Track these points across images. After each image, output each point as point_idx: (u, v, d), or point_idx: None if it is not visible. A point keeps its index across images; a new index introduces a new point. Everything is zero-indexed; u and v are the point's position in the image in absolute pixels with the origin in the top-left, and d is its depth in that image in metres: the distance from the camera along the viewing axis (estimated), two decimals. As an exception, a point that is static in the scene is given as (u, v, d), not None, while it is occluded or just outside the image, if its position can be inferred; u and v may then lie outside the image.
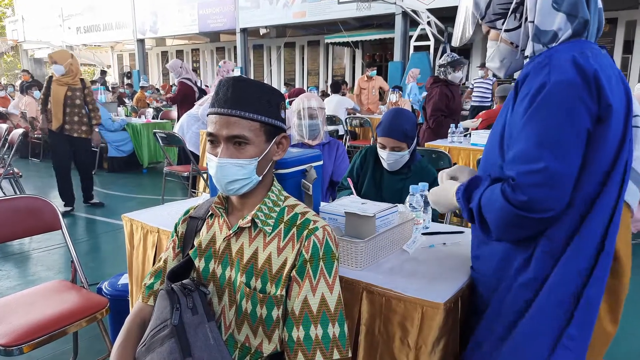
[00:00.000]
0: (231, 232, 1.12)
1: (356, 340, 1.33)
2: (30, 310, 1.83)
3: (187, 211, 1.28)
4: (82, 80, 4.79)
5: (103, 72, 12.51)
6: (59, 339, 1.76)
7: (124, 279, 2.24)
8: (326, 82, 15.68)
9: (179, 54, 19.37)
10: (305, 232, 1.08)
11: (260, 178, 1.11)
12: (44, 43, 18.47)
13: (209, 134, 1.08)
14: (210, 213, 1.20)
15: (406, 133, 2.00)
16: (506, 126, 1.14)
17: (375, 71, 8.53)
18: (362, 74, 10.65)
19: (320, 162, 1.55)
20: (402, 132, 1.99)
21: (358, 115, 7.18)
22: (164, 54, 19.98)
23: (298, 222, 1.11)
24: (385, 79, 10.57)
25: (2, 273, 3.35)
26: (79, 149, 4.89)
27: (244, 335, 1.10)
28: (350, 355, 1.08)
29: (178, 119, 5.61)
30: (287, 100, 4.75)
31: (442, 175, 1.38)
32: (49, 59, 4.72)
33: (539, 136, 1.02)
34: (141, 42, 16.58)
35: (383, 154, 2.06)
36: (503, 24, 1.20)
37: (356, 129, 7.24)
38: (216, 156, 1.07)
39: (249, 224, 1.11)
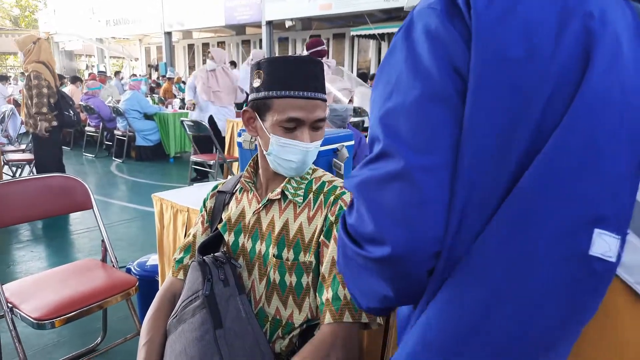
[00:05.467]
0: (260, 205, 1.11)
1: (388, 318, 1.30)
2: (62, 286, 1.86)
3: (216, 186, 1.28)
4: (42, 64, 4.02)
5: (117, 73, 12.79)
6: (88, 318, 1.78)
7: (152, 260, 2.26)
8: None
9: (205, 47, 19.53)
10: (332, 198, 1.07)
11: None
12: (74, 35, 18.86)
13: (293, 119, 1.02)
14: (239, 188, 1.19)
15: None
16: None
17: None
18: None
19: (352, 142, 1.52)
20: None
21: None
22: (190, 47, 20.17)
23: (325, 189, 1.10)
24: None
25: (33, 254, 3.43)
26: (37, 149, 4.28)
27: (274, 307, 1.08)
28: (382, 323, 1.03)
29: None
30: (306, 53, 4.59)
31: None
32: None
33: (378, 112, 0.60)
34: (168, 34, 16.76)
35: None
36: None
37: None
38: (295, 139, 1.03)
39: (279, 196, 1.10)
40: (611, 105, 0.48)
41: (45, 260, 3.35)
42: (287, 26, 13.85)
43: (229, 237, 1.15)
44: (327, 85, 2.25)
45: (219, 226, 1.16)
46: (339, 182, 1.13)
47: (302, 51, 16.76)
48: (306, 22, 15.28)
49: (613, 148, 0.48)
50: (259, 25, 14.27)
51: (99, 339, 2.24)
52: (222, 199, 1.22)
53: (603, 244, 0.47)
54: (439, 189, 0.53)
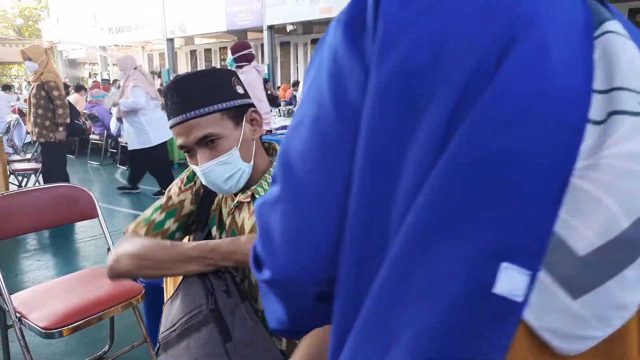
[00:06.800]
0: (232, 205, 1.11)
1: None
2: (69, 295, 1.87)
3: None
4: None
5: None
6: (95, 326, 1.79)
7: (158, 268, 2.27)
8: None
9: (207, 52, 19.60)
10: None
11: (251, 163, 1.07)
12: (77, 44, 18.98)
13: (181, 147, 1.04)
14: None
15: None
16: None
17: None
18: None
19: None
20: None
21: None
22: (193, 53, 20.26)
23: None
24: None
25: (40, 263, 3.45)
26: (45, 158, 4.38)
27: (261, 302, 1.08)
28: None
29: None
30: (231, 59, 4.28)
31: None
32: (22, 55, 4.15)
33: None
34: (170, 41, 16.84)
35: None
36: None
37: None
38: (197, 165, 1.03)
39: (249, 199, 1.09)
40: (523, 115, 0.40)
41: (52, 269, 3.38)
42: (288, 30, 13.89)
43: (216, 232, 1.13)
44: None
45: (209, 219, 1.14)
46: None
47: (304, 55, 16.79)
48: (307, 26, 15.32)
49: (525, 164, 0.39)
50: (260, 30, 14.31)
51: (107, 347, 2.26)
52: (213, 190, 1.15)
53: (509, 280, 0.39)
54: (324, 214, 0.49)
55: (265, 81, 9.49)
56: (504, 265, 0.39)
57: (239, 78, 1.10)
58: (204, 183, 1.07)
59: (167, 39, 16.73)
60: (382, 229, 0.46)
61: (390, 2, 0.45)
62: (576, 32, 0.42)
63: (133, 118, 4.88)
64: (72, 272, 2.14)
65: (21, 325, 1.74)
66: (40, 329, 1.66)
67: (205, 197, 1.17)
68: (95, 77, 19.59)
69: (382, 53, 0.45)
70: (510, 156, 0.39)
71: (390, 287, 0.44)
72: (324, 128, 0.49)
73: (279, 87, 12.77)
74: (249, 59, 4.27)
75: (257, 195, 1.08)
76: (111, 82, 12.28)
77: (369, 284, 0.46)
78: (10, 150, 5.69)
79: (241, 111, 1.06)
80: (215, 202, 1.16)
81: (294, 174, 0.51)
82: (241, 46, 4.27)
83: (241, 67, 4.24)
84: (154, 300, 2.10)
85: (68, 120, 4.13)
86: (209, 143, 1.01)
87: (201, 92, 1.01)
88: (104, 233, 2.12)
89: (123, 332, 2.35)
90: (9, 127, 5.75)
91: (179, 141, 1.03)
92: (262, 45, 15.32)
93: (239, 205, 1.11)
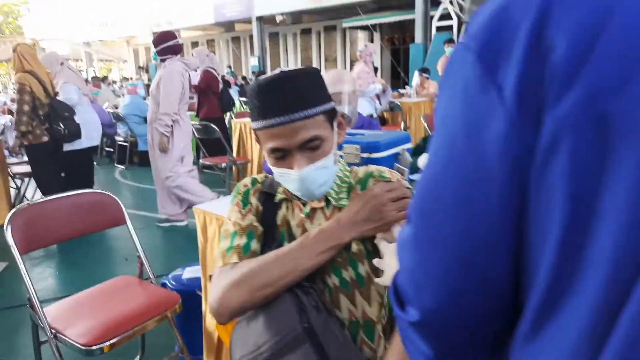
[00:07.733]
0: (303, 214, 1.04)
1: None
2: (104, 307, 1.79)
3: (255, 180, 1.12)
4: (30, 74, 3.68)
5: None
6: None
7: (188, 273, 2.19)
8: (344, 67, 15.50)
9: (194, 45, 19.33)
10: (371, 182, 1.03)
11: (336, 168, 1.04)
12: (60, 40, 18.58)
13: (276, 150, 0.94)
14: (282, 197, 1.08)
15: None
16: None
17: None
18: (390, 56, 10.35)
19: (411, 144, 1.47)
20: None
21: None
22: (179, 46, 20.00)
23: (361, 177, 1.07)
24: (407, 62, 10.36)
25: (61, 269, 3.34)
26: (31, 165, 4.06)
27: (346, 310, 1.01)
28: None
29: (198, 107, 5.44)
30: (154, 52, 3.75)
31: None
32: None
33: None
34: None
35: None
36: None
37: (384, 113, 7.10)
38: (291, 168, 0.95)
39: (322, 204, 1.03)
40: None
41: (73, 275, 3.28)
42: (277, 21, 13.73)
43: None
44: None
45: (277, 234, 1.06)
46: (372, 167, 1.09)
47: (293, 46, 16.61)
48: (297, 16, 15.16)
49: None
50: (248, 22, 14.12)
51: (137, 357, 2.18)
52: (270, 201, 1.09)
53: None
54: (469, 260, 0.46)
55: (261, 73, 9.38)
56: None
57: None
58: (292, 188, 1.00)
59: (152, 33, 16.46)
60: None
61: (571, 12, 0.37)
62: None
63: None
64: (101, 282, 2.05)
65: (57, 342, 1.65)
66: (79, 346, 1.58)
67: (266, 212, 1.09)
68: (79, 73, 19.22)
69: (569, 78, 0.37)
70: None
71: None
72: (460, 174, 0.45)
73: (271, 79, 12.63)
74: (175, 51, 3.72)
75: (330, 198, 1.02)
76: (101, 78, 12.03)
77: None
78: (7, 153, 5.52)
79: (333, 114, 1.00)
80: (280, 217, 1.08)
81: (431, 217, 0.48)
82: (164, 37, 3.69)
83: (164, 60, 3.71)
84: (186, 306, 2.02)
85: (22, 128, 3.67)
86: (312, 146, 0.94)
87: (308, 92, 0.93)
88: (133, 240, 2.04)
89: (154, 339, 2.27)
90: (3, 129, 5.57)
91: (277, 143, 0.93)
92: (250, 37, 15.12)
93: (311, 215, 1.04)
